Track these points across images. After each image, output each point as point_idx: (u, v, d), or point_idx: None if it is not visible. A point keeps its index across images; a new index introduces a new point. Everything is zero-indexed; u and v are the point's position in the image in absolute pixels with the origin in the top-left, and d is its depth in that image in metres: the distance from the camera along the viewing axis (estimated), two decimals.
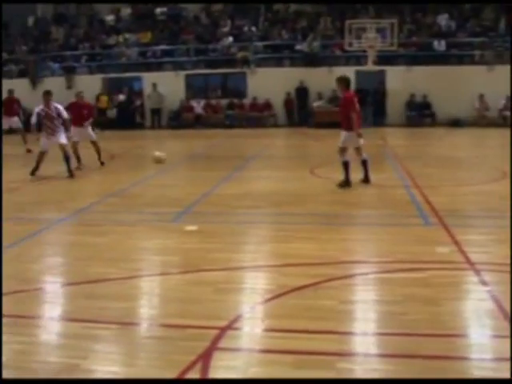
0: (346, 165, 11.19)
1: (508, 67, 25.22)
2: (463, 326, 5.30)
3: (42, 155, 13.76)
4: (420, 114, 25.87)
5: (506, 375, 4.39)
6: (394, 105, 26.07)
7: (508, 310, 5.46)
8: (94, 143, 14.96)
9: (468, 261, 6.91)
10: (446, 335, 5.01)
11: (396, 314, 5.47)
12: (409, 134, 23.78)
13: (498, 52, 26.33)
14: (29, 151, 18.16)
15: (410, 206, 9.99)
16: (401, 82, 25.98)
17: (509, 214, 8.97)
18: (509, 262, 6.92)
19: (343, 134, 11.28)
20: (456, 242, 7.63)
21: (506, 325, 5.18)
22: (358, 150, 11.41)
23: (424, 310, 5.56)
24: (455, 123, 24.61)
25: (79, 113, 14.93)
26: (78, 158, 14.65)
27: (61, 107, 14.00)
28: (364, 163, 11.49)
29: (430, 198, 10.32)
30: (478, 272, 6.55)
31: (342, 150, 11.25)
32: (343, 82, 11.48)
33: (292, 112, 27.33)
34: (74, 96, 15.82)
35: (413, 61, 26.59)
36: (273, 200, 10.70)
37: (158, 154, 11.98)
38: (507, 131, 23.46)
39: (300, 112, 27.20)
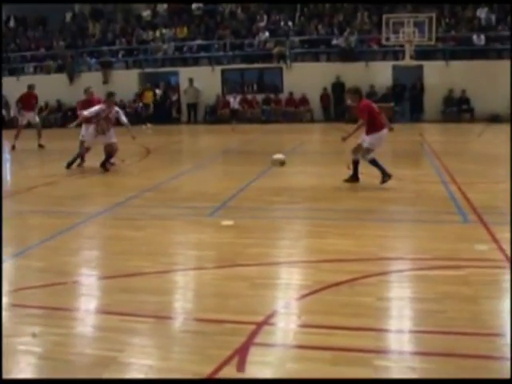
0: (372, 162, 11.11)
1: None
2: (502, 325, 5.20)
3: (86, 151, 13.84)
4: (458, 109, 25.60)
5: None
6: (432, 100, 25.82)
7: None
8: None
9: (507, 259, 6.79)
10: (485, 334, 4.92)
11: (433, 312, 5.39)
12: (446, 130, 23.51)
13: None
14: (41, 146, 18.41)
15: (448, 202, 9.86)
16: (439, 77, 25.72)
17: None
18: None
19: (366, 138, 11.21)
20: (495, 240, 7.51)
21: None
22: (356, 149, 11.40)
23: (462, 308, 5.47)
24: (494, 119, 24.27)
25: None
26: (83, 157, 14.51)
27: (121, 112, 14.05)
28: (355, 163, 11.45)
29: (469, 194, 10.18)
30: None
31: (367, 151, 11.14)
32: (356, 93, 11.51)
33: (328, 107, 27.25)
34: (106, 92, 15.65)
35: (451, 55, 26.31)
36: (309, 195, 10.66)
37: (277, 156, 11.55)
38: None
39: (336, 107, 27.09)
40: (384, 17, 25.90)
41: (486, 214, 8.84)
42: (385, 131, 11.28)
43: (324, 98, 27.10)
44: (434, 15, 25.68)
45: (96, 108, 13.71)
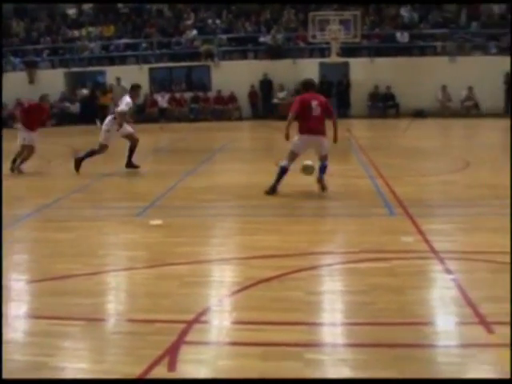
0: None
1: (469, 58, 25.61)
2: (429, 314, 5.37)
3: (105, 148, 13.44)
4: (384, 105, 26.10)
5: (472, 361, 4.47)
6: (358, 96, 26.21)
7: (472, 297, 5.56)
8: (26, 147, 13.72)
9: (432, 250, 6.99)
10: (414, 323, 5.06)
11: (363, 304, 5.51)
12: (373, 125, 23.95)
13: (460, 43, 26.64)
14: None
15: (375, 196, 10.07)
16: (364, 73, 26.18)
17: (472, 203, 9.15)
18: (473, 250, 7.05)
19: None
20: (420, 232, 7.72)
21: (471, 312, 5.26)
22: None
23: (390, 299, 5.61)
24: (418, 114, 24.87)
25: (38, 117, 13.96)
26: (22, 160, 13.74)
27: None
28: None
29: (395, 188, 10.41)
30: (442, 260, 6.63)
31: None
32: (302, 85, 10.96)
33: (256, 104, 27.35)
34: (36, 92, 15.23)
35: (376, 52, 26.82)
36: (239, 193, 10.70)
37: (307, 162, 10.60)
38: (469, 121, 23.86)
39: (264, 104, 27.23)
40: (310, 15, 26.17)
41: (412, 206, 9.07)
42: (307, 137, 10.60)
43: (252, 95, 27.19)
44: (359, 13, 26.14)
45: (124, 103, 13.02)
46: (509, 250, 6.91)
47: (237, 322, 5.22)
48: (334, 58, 26.02)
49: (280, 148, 17.52)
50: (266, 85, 26.96)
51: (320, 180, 10.30)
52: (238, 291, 5.85)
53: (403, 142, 17.52)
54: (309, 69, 26.38)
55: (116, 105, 14.00)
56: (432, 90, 25.00)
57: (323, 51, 27.18)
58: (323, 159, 10.36)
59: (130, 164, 13.49)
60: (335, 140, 10.57)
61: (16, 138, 13.64)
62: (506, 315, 5.12)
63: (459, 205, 9.52)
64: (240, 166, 13.94)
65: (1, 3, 27.15)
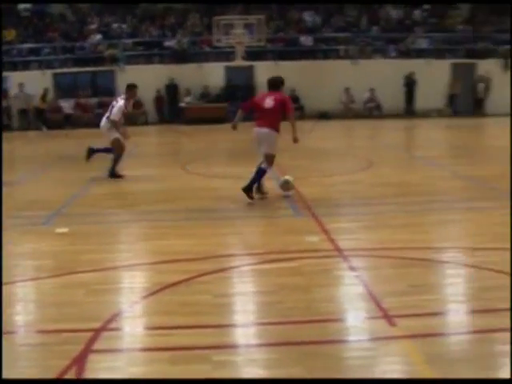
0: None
1: (371, 61, 26.36)
2: (335, 311, 5.51)
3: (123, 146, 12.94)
4: None
5: (377, 354, 4.64)
6: None
7: (375, 292, 5.75)
8: None
9: (337, 248, 7.18)
10: (321, 320, 5.20)
11: (271, 304, 5.61)
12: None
13: (361, 47, 27.36)
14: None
15: (280, 198, 10.21)
16: (269, 76, 26.38)
17: (376, 202, 9.46)
18: (376, 246, 7.29)
19: None
20: (325, 231, 7.91)
21: (374, 306, 5.47)
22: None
23: (297, 297, 5.73)
24: (323, 116, 25.37)
25: None
26: None
27: None
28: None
29: (300, 189, 10.59)
30: (346, 258, 6.82)
31: None
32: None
33: (162, 109, 27.23)
34: None
35: (280, 56, 27.16)
36: (146, 198, 10.64)
37: (287, 177, 10.42)
38: (372, 122, 24.55)
39: (170, 109, 27.13)
40: (215, 19, 26.25)
41: (317, 206, 9.28)
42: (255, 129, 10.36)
43: (158, 100, 27.03)
44: (263, 17, 26.40)
45: (118, 105, 12.65)
46: (410, 245, 7.22)
47: (145, 328, 5.22)
48: (239, 62, 26.20)
49: (187, 152, 17.60)
50: (172, 89, 26.87)
51: (252, 187, 9.91)
52: (146, 297, 5.84)
53: (308, 143, 17.73)
54: (214, 73, 26.55)
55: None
56: (336, 92, 25.57)
57: (228, 55, 27.32)
58: (264, 159, 10.00)
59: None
60: (295, 140, 10.30)
61: None
62: (407, 308, 5.38)
63: (363, 203, 9.80)
64: (147, 171, 13.84)
65: (0, 3, 26.20)
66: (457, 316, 5.51)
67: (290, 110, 10.21)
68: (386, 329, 5.03)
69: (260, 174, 9.94)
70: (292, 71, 26.16)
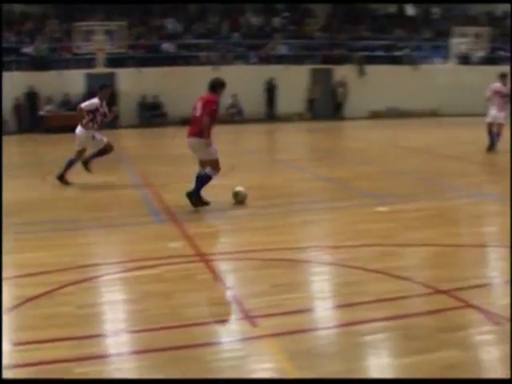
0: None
1: (232, 67, 26.73)
2: (199, 315, 5.55)
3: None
4: (152, 114, 26.37)
5: (245, 355, 4.75)
6: (127, 106, 26.16)
7: (237, 294, 5.90)
8: None
9: (199, 253, 7.27)
10: (187, 325, 5.25)
11: (136, 312, 5.62)
12: (142, 135, 24.12)
13: (222, 53, 27.70)
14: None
15: (142, 205, 10.21)
16: (132, 83, 26.28)
17: (237, 205, 9.63)
18: (238, 249, 7.45)
19: None
20: (188, 236, 7.99)
21: (237, 308, 5.64)
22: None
23: (161, 304, 5.76)
24: (185, 122, 25.37)
25: None
26: None
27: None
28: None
29: (163, 195, 10.64)
30: (209, 262, 6.92)
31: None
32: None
33: (22, 118, 26.35)
34: None
35: (142, 63, 27.02)
36: (5, 210, 10.29)
37: (238, 189, 10.22)
38: (234, 127, 24.88)
39: (30, 117, 26.31)
40: (74, 25, 25.74)
41: (179, 212, 9.34)
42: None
43: (17, 108, 26.12)
44: (124, 23, 26.16)
45: (88, 106, 12.15)
46: (271, 246, 7.44)
47: (9, 344, 5.06)
48: (100, 69, 25.83)
49: (48, 162, 17.15)
50: (32, 97, 26.07)
51: (197, 194, 9.61)
52: (7, 312, 5.68)
53: (171, 149, 17.82)
54: (75, 80, 26.05)
55: None
56: (190, 99, 25.70)
57: (89, 62, 26.86)
58: (201, 166, 9.76)
59: (86, 164, 12.25)
60: (206, 145, 9.72)
61: None
62: (269, 308, 5.55)
63: (225, 208, 9.93)
64: (5, 182, 13.36)
65: (0, 3, 24.10)
66: (318, 312, 5.75)
67: (206, 111, 9.69)
68: (248, 329, 5.17)
69: (204, 180, 9.59)
70: (154, 78, 26.21)
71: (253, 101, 26.58)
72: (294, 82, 27.37)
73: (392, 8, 34.22)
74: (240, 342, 5.00)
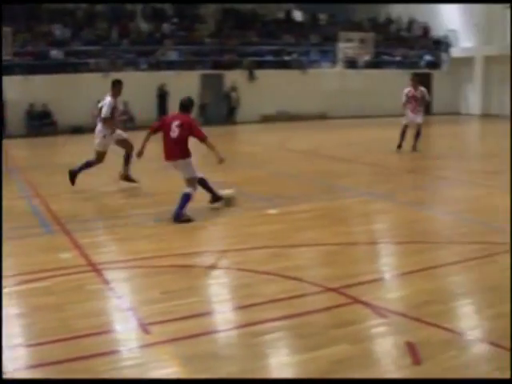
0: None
1: (122, 74, 26.40)
2: (91, 326, 5.48)
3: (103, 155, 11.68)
4: (41, 123, 25.73)
5: (140, 363, 4.76)
6: (15, 115, 25.40)
7: (129, 302, 5.90)
8: None
9: (90, 263, 7.21)
10: (78, 336, 5.21)
11: (24, 326, 5.54)
12: (31, 144, 23.44)
13: (112, 60, 27.38)
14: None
15: (30, 216, 9.94)
16: (19, 91, 25.53)
17: (128, 214, 9.60)
18: (128, 258, 7.43)
19: None
20: (78, 247, 7.89)
21: (129, 316, 5.69)
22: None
23: (51, 317, 5.69)
24: (76, 130, 24.92)
25: None
26: None
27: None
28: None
29: (52, 206, 10.42)
30: (100, 272, 6.88)
31: None
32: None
33: None
34: None
35: (30, 70, 26.27)
36: None
37: (227, 191, 10.38)
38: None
39: None
40: None
41: (69, 222, 9.21)
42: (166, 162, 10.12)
43: None
44: (9, 30, 25.36)
45: (105, 103, 11.97)
46: (160, 254, 7.48)
47: None
48: None
49: None
50: None
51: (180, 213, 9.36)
52: None
53: (61, 158, 17.48)
54: None
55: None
56: (88, 106, 25.27)
57: None
58: (187, 184, 9.62)
59: (127, 177, 12.14)
60: (220, 161, 9.84)
61: None
62: (160, 315, 5.61)
63: (114, 216, 9.91)
64: None
65: (1, 3, 22.03)
66: (212, 316, 5.85)
67: (200, 135, 9.88)
68: (142, 337, 5.21)
69: (186, 199, 9.41)
70: (42, 85, 25.58)
71: (145, 108, 26.40)
72: (186, 88, 27.15)
73: (280, 14, 34.80)
74: (134, 350, 5.04)
